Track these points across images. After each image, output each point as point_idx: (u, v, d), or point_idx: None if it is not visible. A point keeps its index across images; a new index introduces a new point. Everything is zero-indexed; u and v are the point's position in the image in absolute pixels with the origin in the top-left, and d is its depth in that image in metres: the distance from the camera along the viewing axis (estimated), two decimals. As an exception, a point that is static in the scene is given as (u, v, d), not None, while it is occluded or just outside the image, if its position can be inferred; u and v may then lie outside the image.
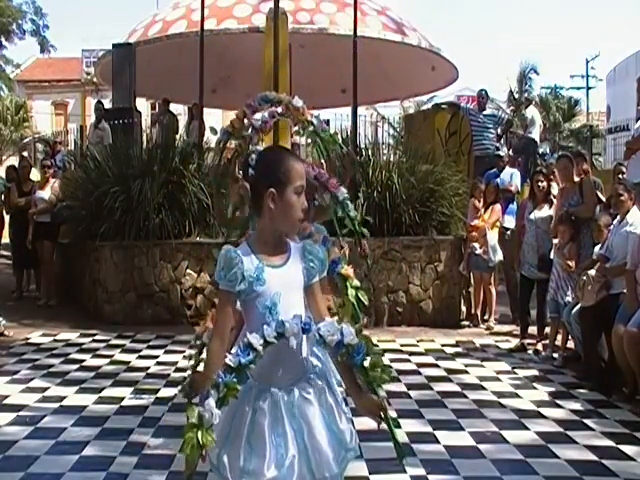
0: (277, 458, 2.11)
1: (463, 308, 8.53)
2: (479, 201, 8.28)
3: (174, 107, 19.56)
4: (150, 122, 12.78)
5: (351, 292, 3.42)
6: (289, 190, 2.21)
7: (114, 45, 11.56)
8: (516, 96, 30.18)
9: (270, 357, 2.17)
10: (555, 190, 7.65)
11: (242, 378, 2.03)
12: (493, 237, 8.04)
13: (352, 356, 2.09)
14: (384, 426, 2.19)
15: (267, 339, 2.03)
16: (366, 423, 2.18)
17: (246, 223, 3.65)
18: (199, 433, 1.98)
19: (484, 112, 11.21)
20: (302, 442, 2.14)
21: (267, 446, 2.13)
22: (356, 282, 3.51)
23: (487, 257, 7.95)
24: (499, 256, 8.00)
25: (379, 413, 2.14)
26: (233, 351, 2.06)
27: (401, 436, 4.27)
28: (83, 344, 7.05)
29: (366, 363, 2.14)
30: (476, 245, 8.01)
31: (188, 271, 8.16)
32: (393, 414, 4.72)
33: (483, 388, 5.59)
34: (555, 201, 7.12)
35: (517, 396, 5.37)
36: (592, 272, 5.81)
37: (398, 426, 2.17)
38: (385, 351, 6.76)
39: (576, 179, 7.05)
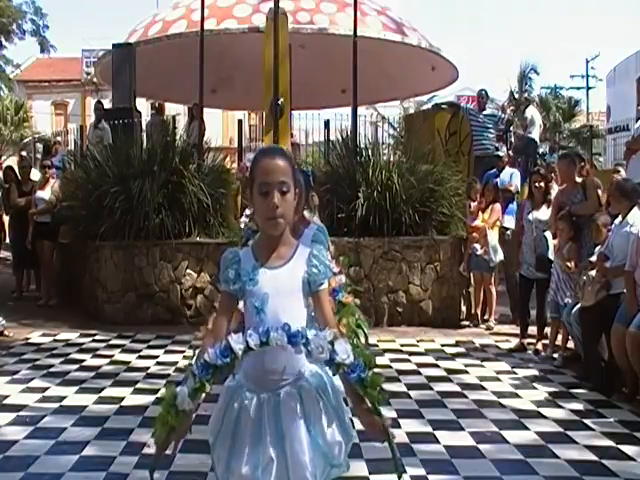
0: (254, 460, 2.11)
1: (463, 308, 8.53)
2: (475, 201, 8.29)
3: (174, 107, 19.60)
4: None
5: (351, 320, 3.40)
6: (254, 189, 2.18)
7: (114, 45, 11.54)
8: (516, 96, 30.14)
9: (258, 360, 2.16)
10: (556, 191, 7.64)
11: (216, 377, 2.02)
12: (494, 237, 8.04)
13: (347, 373, 2.03)
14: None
15: (249, 345, 1.99)
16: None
17: None
18: (170, 414, 2.01)
19: (484, 112, 11.21)
20: (282, 448, 2.11)
21: (246, 446, 2.12)
22: (356, 310, 3.49)
23: (488, 257, 7.95)
24: (500, 256, 8.00)
25: (381, 434, 2.08)
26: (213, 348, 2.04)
27: (401, 437, 4.31)
28: (83, 344, 7.06)
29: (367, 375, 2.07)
30: (477, 246, 8.01)
31: (188, 271, 8.16)
32: (393, 414, 4.74)
33: (483, 388, 5.59)
34: (553, 200, 7.11)
35: (517, 396, 5.37)
36: (592, 272, 5.81)
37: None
38: (385, 351, 6.78)
39: (578, 179, 7.04)
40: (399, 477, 2.13)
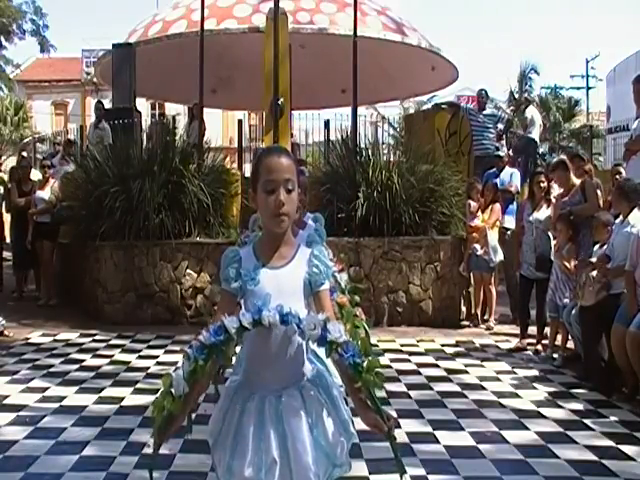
0: (256, 461, 2.10)
1: (463, 308, 8.53)
2: (476, 201, 8.28)
3: (174, 107, 19.61)
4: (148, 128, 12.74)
5: (347, 317, 3.38)
6: (259, 188, 2.18)
7: (114, 45, 11.55)
8: (516, 96, 30.16)
9: (258, 359, 2.16)
10: (556, 191, 7.64)
11: (211, 357, 2.00)
12: (494, 237, 8.04)
13: (340, 355, 2.00)
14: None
15: (242, 324, 1.98)
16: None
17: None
18: (167, 400, 2.00)
19: (484, 112, 11.21)
20: (285, 449, 2.11)
21: (248, 448, 2.11)
22: (352, 310, 3.47)
23: (488, 257, 7.94)
24: (500, 256, 7.99)
25: (382, 429, 2.07)
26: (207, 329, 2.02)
27: (401, 437, 4.31)
28: (83, 344, 7.06)
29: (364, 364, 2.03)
30: (477, 246, 8.00)
31: (188, 271, 8.16)
32: (393, 414, 4.73)
33: (483, 388, 5.59)
34: (554, 200, 7.11)
35: (517, 396, 5.37)
36: (593, 272, 5.81)
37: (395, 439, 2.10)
38: (385, 351, 6.77)
39: (577, 180, 7.03)
40: (401, 476, 2.12)
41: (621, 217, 5.81)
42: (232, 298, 2.22)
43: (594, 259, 5.96)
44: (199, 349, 1.99)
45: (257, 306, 2.02)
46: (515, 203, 8.79)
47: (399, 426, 4.46)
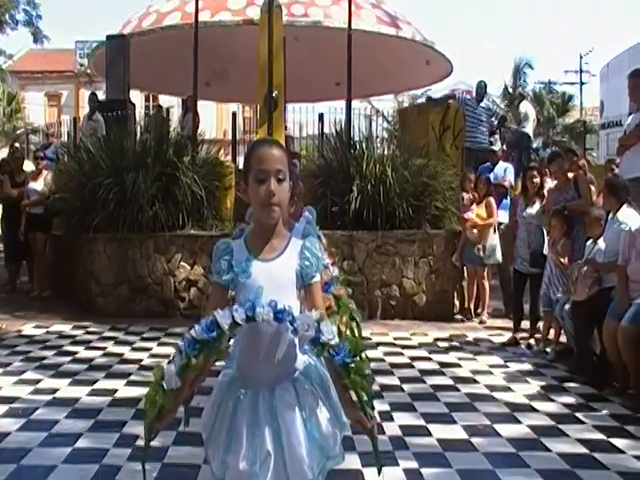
0: (251, 455, 2.11)
1: (456, 302, 8.54)
2: (468, 191, 8.29)
3: (168, 99, 19.55)
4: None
5: (344, 310, 3.39)
6: (250, 178, 2.17)
7: (108, 37, 11.47)
8: (510, 91, 30.20)
9: (251, 354, 2.16)
10: (549, 185, 7.66)
11: (203, 353, 2.00)
12: (494, 237, 8.01)
13: (332, 355, 2.02)
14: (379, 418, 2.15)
15: (235, 320, 1.97)
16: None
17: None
18: (158, 394, 2.00)
19: (480, 104, 11.20)
20: (279, 443, 2.11)
21: (243, 442, 2.12)
22: (349, 302, 3.47)
23: (483, 255, 7.93)
24: (497, 257, 7.97)
25: (365, 425, 2.08)
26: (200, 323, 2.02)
27: (394, 430, 4.32)
28: (76, 336, 7.05)
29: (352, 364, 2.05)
30: (470, 236, 7.97)
31: (182, 264, 8.15)
32: (386, 407, 4.76)
33: (476, 382, 5.61)
34: (546, 195, 7.13)
35: (509, 390, 5.40)
36: (584, 267, 5.83)
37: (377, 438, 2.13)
38: (378, 344, 6.79)
39: (570, 175, 7.06)
40: (379, 472, 2.14)
41: (611, 213, 5.83)
42: (223, 290, 2.21)
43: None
44: (191, 344, 1.99)
45: (251, 302, 2.01)
46: (509, 198, 8.81)
47: (383, 432, 4.44)
